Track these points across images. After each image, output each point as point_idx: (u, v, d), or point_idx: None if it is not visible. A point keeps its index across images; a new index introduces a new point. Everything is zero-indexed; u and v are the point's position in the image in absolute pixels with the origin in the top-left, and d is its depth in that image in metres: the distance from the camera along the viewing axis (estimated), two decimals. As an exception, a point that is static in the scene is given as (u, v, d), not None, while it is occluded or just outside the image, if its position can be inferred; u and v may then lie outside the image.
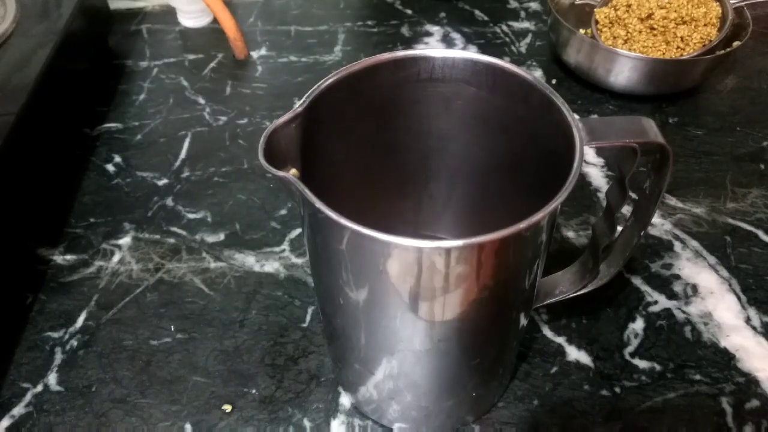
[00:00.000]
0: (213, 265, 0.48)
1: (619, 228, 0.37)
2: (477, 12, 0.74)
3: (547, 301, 0.38)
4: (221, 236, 0.50)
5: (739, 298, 0.45)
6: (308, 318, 0.44)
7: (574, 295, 0.38)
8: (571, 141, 0.28)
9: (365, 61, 0.32)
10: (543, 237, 0.28)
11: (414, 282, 0.27)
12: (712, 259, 0.47)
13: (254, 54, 0.68)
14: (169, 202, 0.53)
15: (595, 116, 0.60)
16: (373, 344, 0.32)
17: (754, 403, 0.39)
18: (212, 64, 0.67)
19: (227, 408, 0.40)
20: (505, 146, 0.35)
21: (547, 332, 0.43)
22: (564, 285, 0.38)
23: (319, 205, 0.25)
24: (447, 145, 0.37)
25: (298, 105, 0.29)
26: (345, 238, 0.26)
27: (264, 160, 0.27)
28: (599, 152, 0.56)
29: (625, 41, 0.59)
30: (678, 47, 0.58)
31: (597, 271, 0.37)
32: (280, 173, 0.26)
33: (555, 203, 0.25)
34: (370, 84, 0.33)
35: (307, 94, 0.30)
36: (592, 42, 0.59)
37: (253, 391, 0.40)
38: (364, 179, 0.38)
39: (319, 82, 0.31)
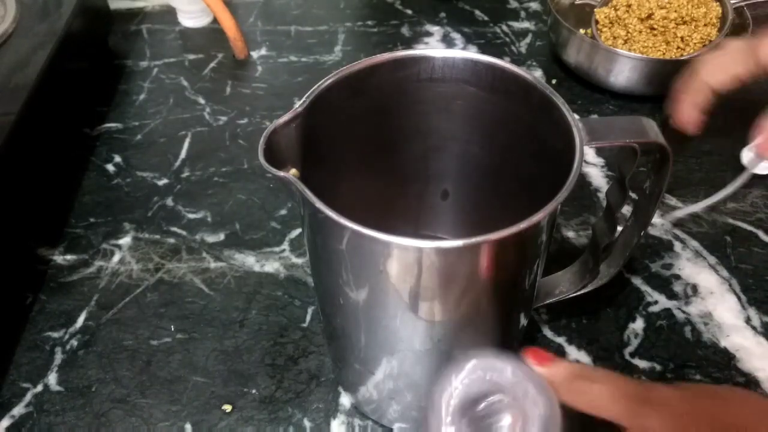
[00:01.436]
0: (213, 265, 0.48)
1: (619, 228, 0.37)
2: (477, 12, 0.74)
3: (547, 301, 0.38)
4: (221, 236, 0.50)
5: (739, 298, 0.45)
6: (308, 318, 0.44)
7: (574, 295, 0.38)
8: (571, 141, 0.28)
9: (365, 61, 0.32)
10: (543, 237, 0.28)
11: (414, 282, 0.27)
12: (712, 259, 0.47)
13: (254, 54, 0.68)
14: (169, 202, 0.53)
15: (595, 116, 0.60)
16: (373, 344, 0.32)
17: (754, 403, 0.39)
18: (212, 64, 0.67)
19: (227, 408, 0.40)
20: (505, 146, 0.35)
21: (547, 332, 0.43)
22: (564, 285, 0.38)
23: (319, 205, 0.25)
24: (447, 145, 0.37)
25: (298, 105, 0.29)
26: (345, 238, 0.26)
27: (264, 160, 0.27)
28: (599, 152, 0.56)
29: (625, 41, 0.59)
30: (678, 47, 0.58)
31: (597, 271, 0.37)
32: (280, 173, 0.26)
33: (555, 203, 0.25)
34: (370, 84, 0.33)
35: (307, 94, 0.30)
36: (592, 42, 0.59)
37: (253, 391, 0.40)
38: (364, 179, 0.38)
39: (319, 82, 0.31)
